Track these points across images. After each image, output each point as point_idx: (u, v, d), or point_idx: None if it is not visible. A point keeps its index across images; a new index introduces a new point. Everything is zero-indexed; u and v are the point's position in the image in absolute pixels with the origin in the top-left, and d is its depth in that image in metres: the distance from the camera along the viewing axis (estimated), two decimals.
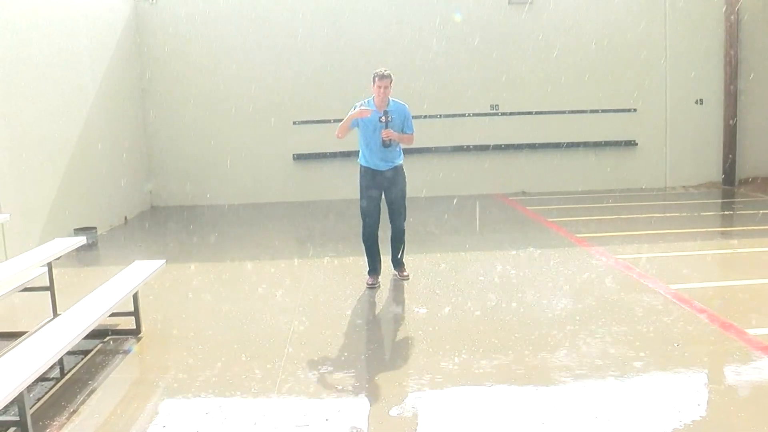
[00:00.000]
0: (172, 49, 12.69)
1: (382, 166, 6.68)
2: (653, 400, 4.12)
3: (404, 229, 6.93)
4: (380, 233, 6.90)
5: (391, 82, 6.56)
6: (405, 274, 7.03)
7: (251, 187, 12.97)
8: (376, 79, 6.49)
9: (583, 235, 8.90)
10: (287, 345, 5.22)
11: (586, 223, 9.92)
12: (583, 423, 3.85)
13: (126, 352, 5.20)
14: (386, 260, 7.04)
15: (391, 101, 6.64)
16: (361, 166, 6.79)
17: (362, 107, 6.50)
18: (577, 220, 10.12)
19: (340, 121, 6.72)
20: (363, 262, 7.11)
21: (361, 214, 6.84)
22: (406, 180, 6.85)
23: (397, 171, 6.74)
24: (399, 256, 7.00)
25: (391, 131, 6.53)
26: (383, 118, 6.51)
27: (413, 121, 6.80)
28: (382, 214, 6.89)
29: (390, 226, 6.90)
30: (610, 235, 8.94)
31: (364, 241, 6.89)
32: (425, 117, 12.23)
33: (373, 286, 6.81)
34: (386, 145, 6.56)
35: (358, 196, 6.85)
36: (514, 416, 3.99)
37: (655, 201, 12.12)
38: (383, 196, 6.82)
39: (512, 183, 13.33)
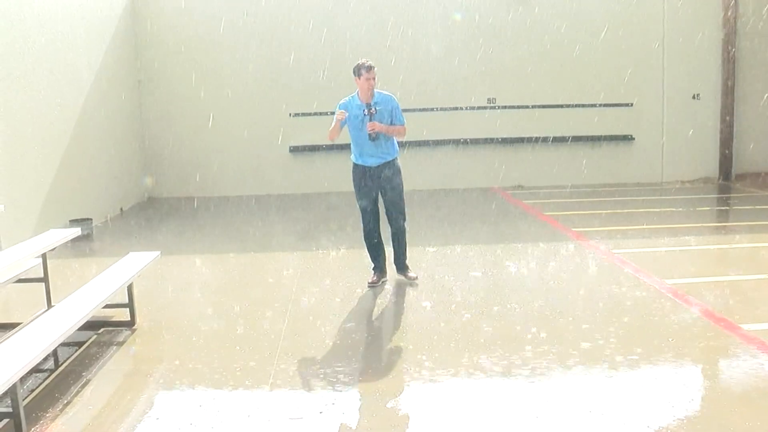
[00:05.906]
0: (168, 40, 12.63)
1: (373, 162, 6.39)
2: (647, 394, 4.12)
3: (405, 228, 6.59)
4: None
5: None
6: (412, 275, 6.63)
7: (247, 178, 12.95)
8: (363, 71, 6.20)
9: (578, 229, 8.90)
10: (282, 337, 5.22)
11: (582, 217, 9.91)
12: (577, 417, 3.85)
13: (119, 344, 5.19)
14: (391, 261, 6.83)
15: (376, 93, 6.32)
16: (353, 163, 6.52)
17: (342, 108, 6.29)
18: (573, 214, 10.12)
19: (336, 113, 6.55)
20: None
21: (360, 212, 6.60)
22: (402, 176, 6.54)
23: (390, 167, 6.42)
24: (402, 258, 6.65)
25: (377, 123, 6.24)
26: (367, 110, 6.23)
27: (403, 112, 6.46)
28: (382, 213, 6.62)
29: (389, 225, 6.61)
30: (605, 229, 8.94)
31: (364, 239, 6.65)
32: (422, 110, 12.26)
33: (373, 285, 6.50)
34: (372, 138, 6.26)
35: (355, 195, 6.61)
36: (508, 410, 4.00)
37: (651, 196, 12.12)
38: (380, 194, 6.52)
39: (508, 177, 13.31)
